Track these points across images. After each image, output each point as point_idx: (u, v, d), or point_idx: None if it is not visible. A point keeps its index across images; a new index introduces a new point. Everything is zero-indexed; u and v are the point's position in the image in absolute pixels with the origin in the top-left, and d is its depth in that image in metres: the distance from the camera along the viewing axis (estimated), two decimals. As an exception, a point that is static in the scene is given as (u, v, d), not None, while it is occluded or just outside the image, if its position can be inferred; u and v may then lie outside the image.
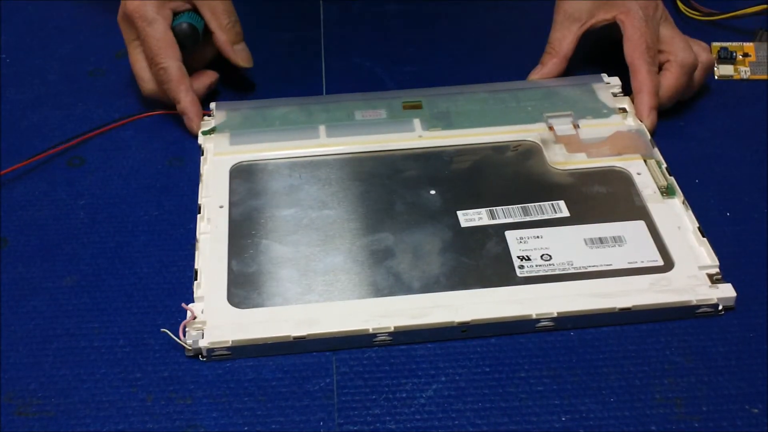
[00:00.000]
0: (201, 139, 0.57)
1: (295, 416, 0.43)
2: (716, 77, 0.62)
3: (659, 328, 0.46)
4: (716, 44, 0.64)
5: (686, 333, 0.46)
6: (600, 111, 0.58)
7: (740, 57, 0.63)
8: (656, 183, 0.52)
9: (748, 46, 0.63)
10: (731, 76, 0.62)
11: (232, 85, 0.62)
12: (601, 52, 0.64)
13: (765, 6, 0.63)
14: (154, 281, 0.49)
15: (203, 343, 0.45)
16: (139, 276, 0.49)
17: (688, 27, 0.67)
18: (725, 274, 0.49)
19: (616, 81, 0.60)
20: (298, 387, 0.44)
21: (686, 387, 0.43)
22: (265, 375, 0.44)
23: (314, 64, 0.64)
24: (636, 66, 0.57)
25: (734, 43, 0.64)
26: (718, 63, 0.63)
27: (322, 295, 0.47)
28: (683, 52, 0.57)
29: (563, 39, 0.60)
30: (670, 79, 0.57)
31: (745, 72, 0.62)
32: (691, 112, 0.60)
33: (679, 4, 0.67)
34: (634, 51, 0.57)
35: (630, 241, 0.49)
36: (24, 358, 0.45)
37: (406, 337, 0.45)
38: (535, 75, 0.61)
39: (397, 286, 0.47)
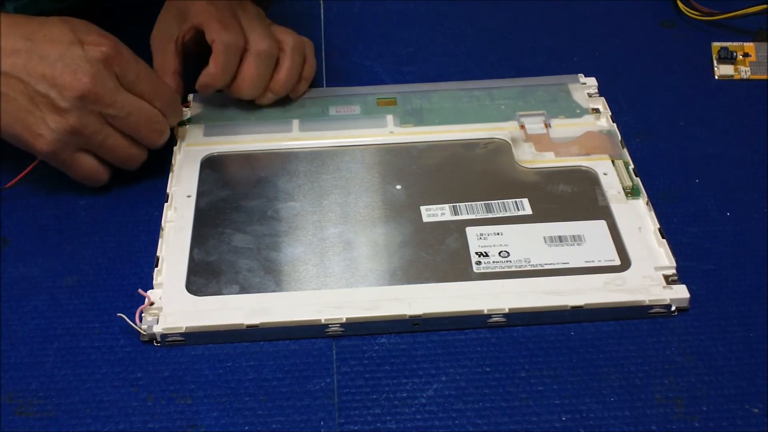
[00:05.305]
0: (175, 130, 0.57)
1: (296, 416, 0.43)
2: (716, 77, 0.62)
3: (660, 327, 0.46)
4: (716, 44, 0.64)
5: (687, 332, 0.46)
6: (573, 111, 0.58)
7: (740, 57, 0.63)
8: (622, 183, 0.53)
9: (749, 46, 0.63)
10: (731, 76, 0.62)
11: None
12: (578, 52, 0.64)
13: (765, 6, 0.63)
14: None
15: (157, 329, 0.45)
16: (140, 276, 0.49)
17: (688, 27, 0.67)
18: (726, 274, 0.49)
19: (592, 81, 0.60)
20: (299, 386, 0.44)
21: (686, 387, 0.44)
22: (265, 375, 0.45)
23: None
24: (213, 48, 0.55)
25: (734, 43, 0.64)
26: (719, 63, 0.63)
27: (279, 285, 0.48)
28: (260, 39, 0.55)
29: (165, 62, 0.57)
30: (247, 69, 0.55)
31: (745, 72, 0.62)
32: (691, 112, 0.60)
33: (679, 4, 0.67)
34: (208, 36, 0.55)
35: (589, 241, 0.49)
36: (24, 358, 0.45)
37: (358, 329, 0.46)
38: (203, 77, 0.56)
39: (354, 278, 0.48)
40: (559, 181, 0.53)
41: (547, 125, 0.57)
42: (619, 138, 0.56)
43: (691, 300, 0.47)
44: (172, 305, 0.46)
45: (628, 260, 0.48)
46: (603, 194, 0.52)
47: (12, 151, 0.52)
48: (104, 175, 0.53)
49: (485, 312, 0.46)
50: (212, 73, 0.55)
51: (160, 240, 0.50)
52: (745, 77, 0.62)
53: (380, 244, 0.50)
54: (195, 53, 0.57)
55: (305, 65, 0.59)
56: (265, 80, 0.57)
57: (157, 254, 0.49)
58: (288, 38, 0.57)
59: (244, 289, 0.47)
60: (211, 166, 0.55)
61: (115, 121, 0.51)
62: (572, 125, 0.57)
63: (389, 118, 0.58)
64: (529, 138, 0.56)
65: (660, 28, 0.67)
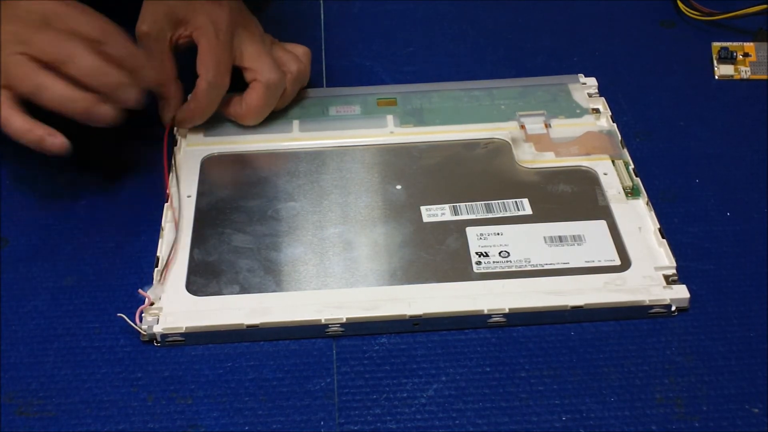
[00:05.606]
0: (176, 130, 0.57)
1: (296, 416, 0.43)
2: (716, 77, 0.62)
3: (660, 327, 0.46)
4: (716, 44, 0.64)
5: (687, 332, 0.46)
6: (573, 111, 0.58)
7: (740, 57, 0.63)
8: (622, 183, 0.53)
9: (749, 46, 0.64)
10: (731, 76, 0.62)
11: (232, 85, 0.62)
12: (578, 52, 0.64)
13: (765, 6, 0.63)
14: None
15: (158, 329, 0.45)
16: (140, 275, 0.49)
17: (688, 27, 0.67)
18: (726, 274, 0.49)
19: (592, 81, 0.60)
20: (299, 386, 0.44)
21: (686, 387, 0.44)
22: (266, 375, 0.45)
23: (314, 64, 0.64)
24: (197, 82, 0.54)
25: (734, 43, 0.64)
26: (719, 63, 0.63)
27: (279, 285, 0.48)
28: (269, 71, 0.55)
29: (163, 67, 0.55)
30: (253, 98, 0.55)
31: (745, 72, 0.62)
32: (691, 112, 0.60)
33: (680, 4, 0.67)
34: (199, 68, 0.54)
35: (589, 241, 0.49)
36: (24, 358, 0.45)
37: (358, 329, 0.46)
38: (174, 113, 0.55)
39: (354, 278, 0.48)
40: (559, 181, 0.53)
41: (547, 125, 0.57)
42: (619, 138, 0.56)
43: (691, 300, 0.47)
44: (172, 305, 0.47)
45: (628, 260, 0.48)
46: (603, 194, 0.52)
47: (12, 149, 0.52)
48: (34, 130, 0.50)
49: (485, 312, 0.46)
50: (192, 109, 0.55)
51: (160, 240, 0.50)
52: (745, 77, 0.62)
53: (380, 244, 0.50)
54: (186, 51, 0.57)
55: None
56: (270, 110, 0.57)
57: (157, 254, 0.49)
58: (292, 66, 0.57)
59: (244, 289, 0.47)
60: (211, 166, 0.55)
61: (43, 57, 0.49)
62: (572, 125, 0.57)
63: (389, 118, 0.58)
64: (529, 138, 0.56)
65: (660, 28, 0.67)
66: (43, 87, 0.49)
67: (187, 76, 0.55)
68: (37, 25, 0.50)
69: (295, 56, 0.58)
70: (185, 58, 0.56)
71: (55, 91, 0.49)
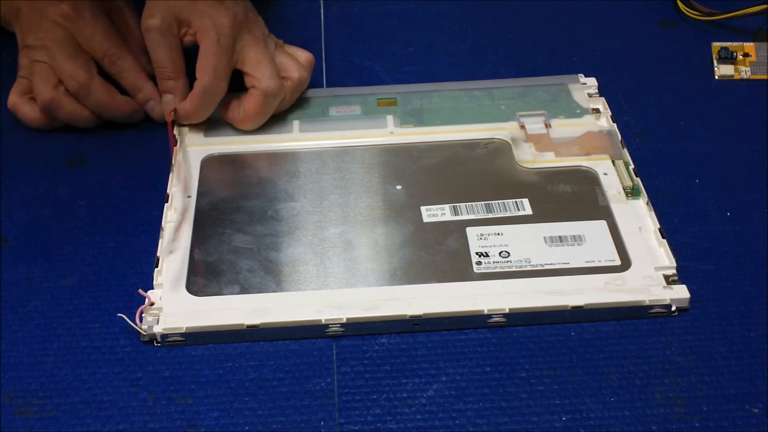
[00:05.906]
0: (176, 130, 0.57)
1: (296, 416, 0.43)
2: (716, 77, 0.62)
3: (660, 327, 0.46)
4: (716, 44, 0.64)
5: (687, 332, 0.46)
6: (573, 111, 0.58)
7: (740, 57, 0.63)
8: (622, 183, 0.53)
9: (749, 46, 0.64)
10: (731, 76, 0.62)
11: (233, 85, 0.62)
12: (578, 52, 0.64)
13: (765, 6, 0.63)
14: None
15: (158, 329, 0.45)
16: (140, 276, 0.49)
17: (688, 27, 0.67)
18: (726, 274, 0.49)
19: (592, 81, 0.60)
20: (299, 386, 0.44)
21: (687, 387, 0.44)
22: (266, 375, 0.45)
23: (315, 64, 0.64)
24: (194, 85, 0.55)
25: (734, 43, 0.64)
26: (719, 63, 0.63)
27: (279, 285, 0.48)
28: (268, 79, 0.55)
29: (174, 61, 0.55)
30: (251, 105, 0.55)
31: (745, 72, 0.62)
32: (691, 112, 0.60)
33: (679, 4, 0.67)
34: (198, 71, 0.54)
35: (590, 241, 0.49)
36: (24, 358, 0.45)
37: (358, 329, 0.46)
38: (175, 106, 0.56)
39: (354, 278, 0.48)
40: (560, 181, 0.53)
41: (548, 125, 0.57)
42: (619, 138, 0.56)
43: (691, 300, 0.47)
44: (172, 305, 0.47)
45: (628, 260, 0.48)
46: (603, 194, 0.52)
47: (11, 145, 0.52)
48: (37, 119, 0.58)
49: (485, 312, 0.46)
50: (187, 109, 0.55)
51: (160, 240, 0.50)
52: (745, 77, 0.62)
53: (380, 245, 0.50)
54: (191, 48, 0.57)
55: None
56: (268, 117, 0.57)
57: (157, 254, 0.49)
58: (294, 73, 0.57)
59: (244, 290, 0.47)
60: (211, 166, 0.55)
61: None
62: (572, 125, 0.57)
63: (389, 118, 0.58)
64: (529, 138, 0.56)
65: (660, 28, 0.67)
66: (58, 104, 0.56)
67: (190, 73, 0.55)
68: (61, 41, 0.55)
69: (298, 63, 0.58)
70: (187, 55, 0.56)
71: (68, 110, 0.56)
